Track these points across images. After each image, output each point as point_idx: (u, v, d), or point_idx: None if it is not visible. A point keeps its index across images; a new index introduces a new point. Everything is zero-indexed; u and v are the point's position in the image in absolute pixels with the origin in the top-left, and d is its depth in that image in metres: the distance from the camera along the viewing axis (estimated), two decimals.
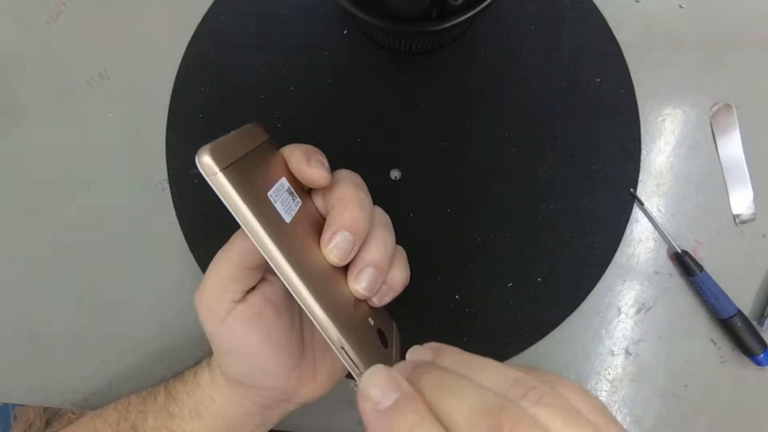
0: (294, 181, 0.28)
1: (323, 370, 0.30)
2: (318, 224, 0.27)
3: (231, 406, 0.30)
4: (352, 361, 0.23)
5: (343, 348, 0.23)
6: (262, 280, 0.28)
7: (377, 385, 0.19)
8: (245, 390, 0.29)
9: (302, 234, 0.25)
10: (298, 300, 0.24)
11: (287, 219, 0.25)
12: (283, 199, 0.25)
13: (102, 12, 0.39)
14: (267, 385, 0.28)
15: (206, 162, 0.22)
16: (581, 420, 0.18)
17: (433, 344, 0.23)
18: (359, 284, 0.26)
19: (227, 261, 0.26)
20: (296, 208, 0.26)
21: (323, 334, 0.24)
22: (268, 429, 0.32)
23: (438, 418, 0.18)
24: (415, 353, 0.23)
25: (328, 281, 0.25)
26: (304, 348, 0.29)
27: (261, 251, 0.23)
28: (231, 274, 0.26)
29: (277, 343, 0.27)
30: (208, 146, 0.22)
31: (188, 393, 0.31)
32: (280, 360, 0.27)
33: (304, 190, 0.29)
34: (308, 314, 0.24)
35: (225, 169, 0.22)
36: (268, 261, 0.23)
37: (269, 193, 0.25)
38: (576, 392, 0.19)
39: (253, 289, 0.27)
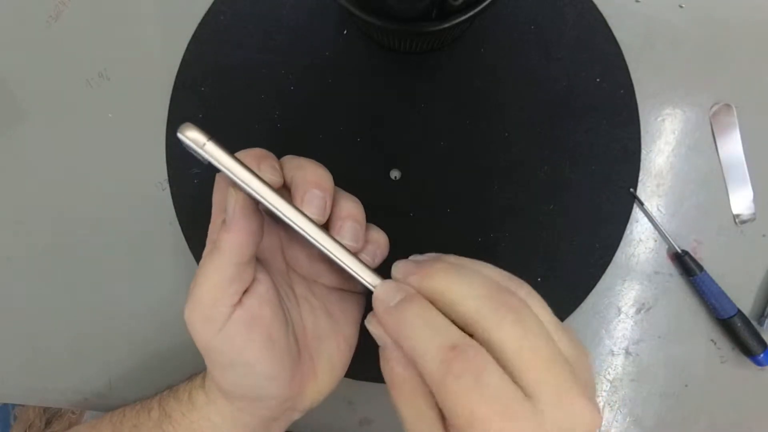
0: None
1: (322, 365, 0.29)
2: None
3: (231, 425, 0.28)
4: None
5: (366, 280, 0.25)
6: (254, 280, 0.27)
7: (388, 289, 0.23)
8: (247, 404, 0.28)
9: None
10: (317, 244, 0.25)
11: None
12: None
13: (102, 12, 0.39)
14: (271, 393, 0.27)
15: (193, 135, 0.23)
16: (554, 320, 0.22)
17: (432, 254, 0.26)
18: (343, 238, 0.26)
19: (220, 261, 0.25)
20: None
21: (348, 268, 0.25)
22: None
23: (450, 301, 0.22)
24: (415, 257, 0.26)
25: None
26: (299, 346, 0.28)
27: (270, 206, 0.24)
28: (228, 275, 0.25)
29: (278, 345, 0.26)
30: (186, 123, 0.23)
31: (183, 413, 0.29)
32: (282, 363, 0.26)
33: None
34: (328, 252, 0.25)
35: (211, 138, 0.23)
36: (278, 213, 0.24)
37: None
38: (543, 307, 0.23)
39: (246, 291, 0.26)
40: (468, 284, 0.21)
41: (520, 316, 0.20)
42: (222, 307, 0.25)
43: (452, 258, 0.25)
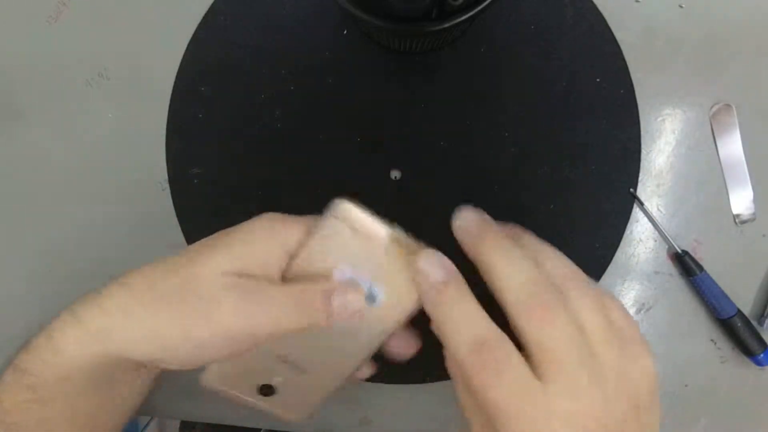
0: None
1: None
2: None
3: (99, 373, 0.26)
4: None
5: None
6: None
7: (432, 264, 0.24)
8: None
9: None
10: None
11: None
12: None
13: (102, 12, 0.39)
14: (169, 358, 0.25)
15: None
16: (607, 322, 0.22)
17: (515, 227, 0.26)
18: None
19: (279, 231, 0.25)
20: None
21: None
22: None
23: (491, 282, 0.23)
24: (501, 226, 0.26)
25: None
26: None
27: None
28: (280, 244, 0.25)
29: None
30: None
31: (44, 359, 0.26)
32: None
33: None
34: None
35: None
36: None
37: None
38: (610, 298, 0.24)
39: None
40: (508, 276, 0.23)
41: (549, 315, 0.21)
42: (275, 269, 0.25)
43: (526, 238, 0.25)
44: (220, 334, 0.24)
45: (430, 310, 0.24)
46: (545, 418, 0.21)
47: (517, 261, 0.23)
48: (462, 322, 0.23)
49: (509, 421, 0.21)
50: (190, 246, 0.26)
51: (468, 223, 0.25)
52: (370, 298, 0.25)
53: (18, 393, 0.26)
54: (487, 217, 0.26)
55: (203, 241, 0.26)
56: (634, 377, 0.22)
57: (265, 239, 0.25)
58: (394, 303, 0.25)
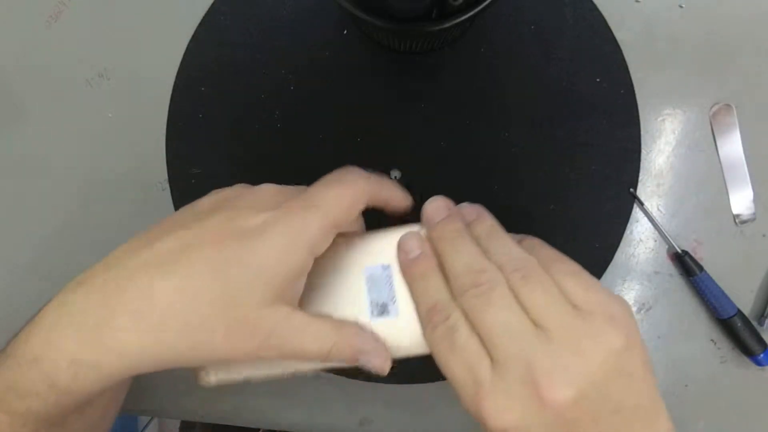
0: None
1: None
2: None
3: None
4: None
5: None
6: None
7: (411, 242, 0.26)
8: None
9: None
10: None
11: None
12: None
13: (102, 12, 0.39)
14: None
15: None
16: (558, 298, 0.23)
17: (479, 209, 0.28)
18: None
19: (322, 218, 0.24)
20: None
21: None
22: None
23: (443, 264, 0.25)
24: (464, 208, 0.28)
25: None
26: None
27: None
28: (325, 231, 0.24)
29: None
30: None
31: (60, 388, 0.23)
32: None
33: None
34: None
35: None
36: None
37: None
38: (573, 276, 0.24)
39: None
40: (452, 261, 0.25)
41: (483, 297, 0.23)
42: (298, 290, 0.25)
43: (483, 227, 0.27)
44: (256, 356, 0.24)
45: (406, 280, 0.26)
46: (490, 393, 0.22)
47: (458, 250, 0.25)
48: (424, 292, 0.25)
49: (462, 393, 0.23)
50: (212, 251, 0.24)
51: (428, 211, 0.27)
52: (383, 309, 0.26)
53: (26, 418, 0.24)
54: (444, 205, 0.27)
55: (231, 250, 0.23)
56: (589, 348, 0.22)
57: (298, 255, 0.24)
58: (408, 323, 0.26)
